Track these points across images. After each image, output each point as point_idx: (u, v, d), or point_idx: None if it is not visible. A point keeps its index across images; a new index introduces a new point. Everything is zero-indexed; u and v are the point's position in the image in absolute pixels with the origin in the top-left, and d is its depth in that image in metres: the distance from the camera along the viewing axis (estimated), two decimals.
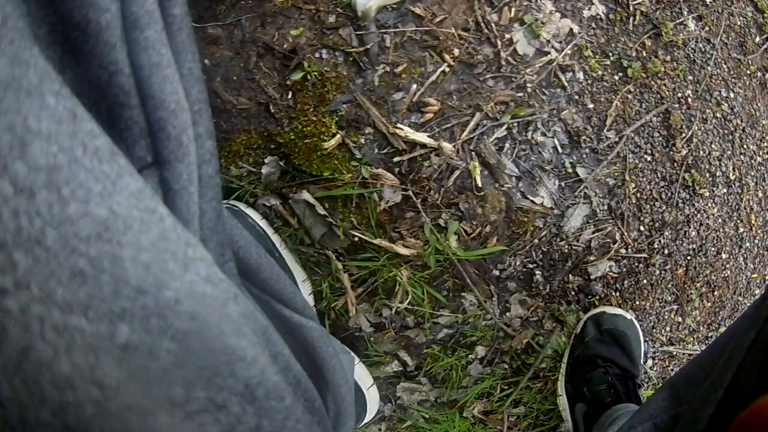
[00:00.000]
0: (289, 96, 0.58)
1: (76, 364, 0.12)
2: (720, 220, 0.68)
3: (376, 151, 0.57)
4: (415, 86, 0.57)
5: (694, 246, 0.66)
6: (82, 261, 0.12)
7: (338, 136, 0.57)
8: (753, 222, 0.71)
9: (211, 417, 0.14)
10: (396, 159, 0.57)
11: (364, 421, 0.57)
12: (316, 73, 0.57)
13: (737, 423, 0.15)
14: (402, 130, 0.56)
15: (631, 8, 0.66)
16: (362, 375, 0.57)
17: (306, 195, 0.57)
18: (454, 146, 0.57)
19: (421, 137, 0.57)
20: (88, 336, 0.12)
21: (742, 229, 0.69)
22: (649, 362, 0.66)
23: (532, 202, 0.59)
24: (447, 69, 0.58)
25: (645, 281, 0.64)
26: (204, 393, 0.14)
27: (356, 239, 0.57)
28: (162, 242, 0.15)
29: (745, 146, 0.70)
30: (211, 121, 0.22)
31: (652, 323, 0.66)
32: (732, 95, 0.70)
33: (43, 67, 0.13)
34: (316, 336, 0.39)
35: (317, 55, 0.58)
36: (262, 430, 0.16)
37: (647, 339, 0.66)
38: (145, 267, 0.14)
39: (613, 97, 0.63)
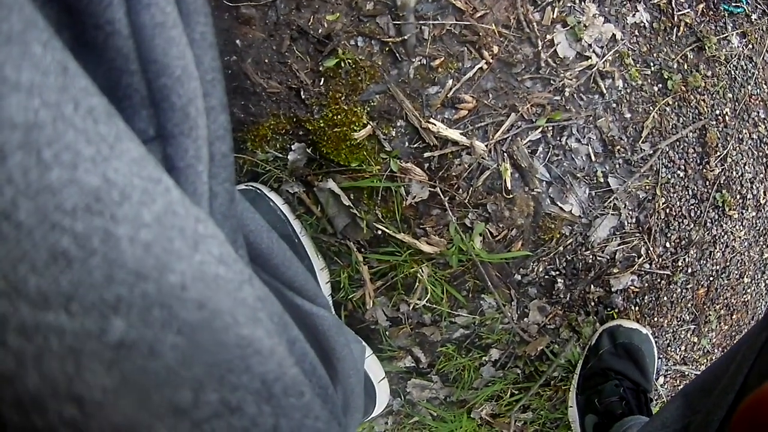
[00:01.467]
0: (321, 82, 0.55)
1: (47, 376, 0.09)
2: (746, 244, 0.65)
3: (407, 144, 0.54)
4: (451, 81, 0.55)
5: (718, 267, 0.64)
6: (66, 239, 0.10)
7: (369, 126, 0.54)
8: None
9: (223, 422, 0.12)
10: (426, 154, 0.54)
11: (373, 415, 0.55)
12: (350, 61, 0.54)
13: (741, 411, 0.14)
14: (435, 125, 0.54)
15: (675, 18, 0.63)
16: (374, 368, 0.55)
17: (332, 184, 0.54)
18: (486, 146, 0.55)
19: (454, 134, 0.54)
20: (69, 336, 0.09)
21: (767, 255, 0.67)
22: (661, 379, 0.64)
23: (561, 209, 0.56)
24: (485, 66, 0.55)
25: (665, 298, 0.62)
26: (216, 395, 0.12)
27: (379, 232, 0.55)
28: (168, 217, 0.12)
29: None
30: (224, 92, 0.19)
31: (668, 341, 0.63)
32: (767, 116, 0.66)
33: (29, 14, 0.10)
34: (327, 325, 0.37)
35: (352, 42, 0.55)
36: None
37: (661, 356, 0.63)
38: (145, 247, 0.11)
39: (651, 108, 0.60)
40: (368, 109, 0.54)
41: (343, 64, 0.54)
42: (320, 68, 0.54)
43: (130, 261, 0.11)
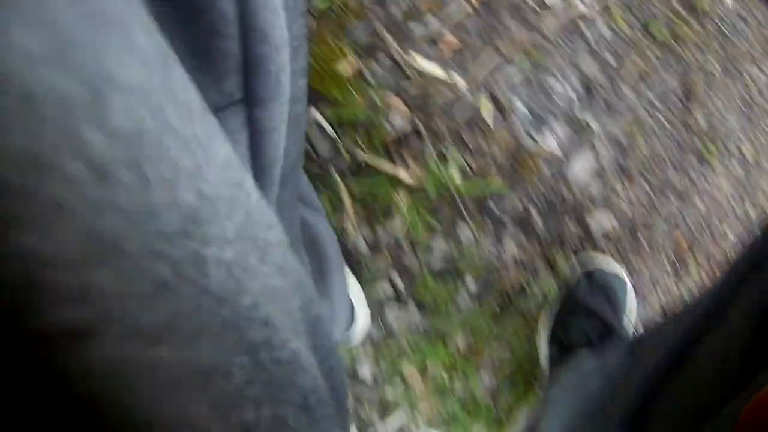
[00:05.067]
0: (310, 21, 0.55)
1: (167, 414, 0.08)
2: (728, 195, 0.62)
3: (390, 79, 0.54)
4: (436, 21, 0.54)
5: (699, 216, 0.61)
6: (166, 269, 0.08)
7: (354, 62, 0.54)
8: (763, 203, 0.65)
9: None
10: (409, 89, 0.54)
11: (354, 333, 0.55)
12: (340, 4, 0.54)
13: (746, 411, 0.13)
14: (417, 61, 0.53)
15: None
16: (354, 289, 0.55)
17: (316, 113, 0.54)
18: (467, 83, 0.54)
19: (437, 70, 0.53)
20: (174, 368, 0.08)
21: (748, 208, 0.64)
22: (636, 324, 0.62)
23: (540, 146, 0.55)
24: (470, 8, 0.55)
25: (645, 242, 0.60)
26: (270, 411, 0.11)
27: (361, 162, 0.54)
28: (246, 228, 0.10)
29: (764, 126, 0.64)
30: (306, 58, 0.18)
31: (647, 287, 0.61)
32: (757, 73, 0.64)
33: None
34: (325, 237, 0.37)
35: None
36: None
37: (639, 302, 0.61)
38: (227, 268, 0.10)
39: (635, 54, 0.58)
40: (354, 46, 0.54)
41: (333, 7, 0.54)
42: (310, 9, 0.55)
43: (214, 285, 0.09)
